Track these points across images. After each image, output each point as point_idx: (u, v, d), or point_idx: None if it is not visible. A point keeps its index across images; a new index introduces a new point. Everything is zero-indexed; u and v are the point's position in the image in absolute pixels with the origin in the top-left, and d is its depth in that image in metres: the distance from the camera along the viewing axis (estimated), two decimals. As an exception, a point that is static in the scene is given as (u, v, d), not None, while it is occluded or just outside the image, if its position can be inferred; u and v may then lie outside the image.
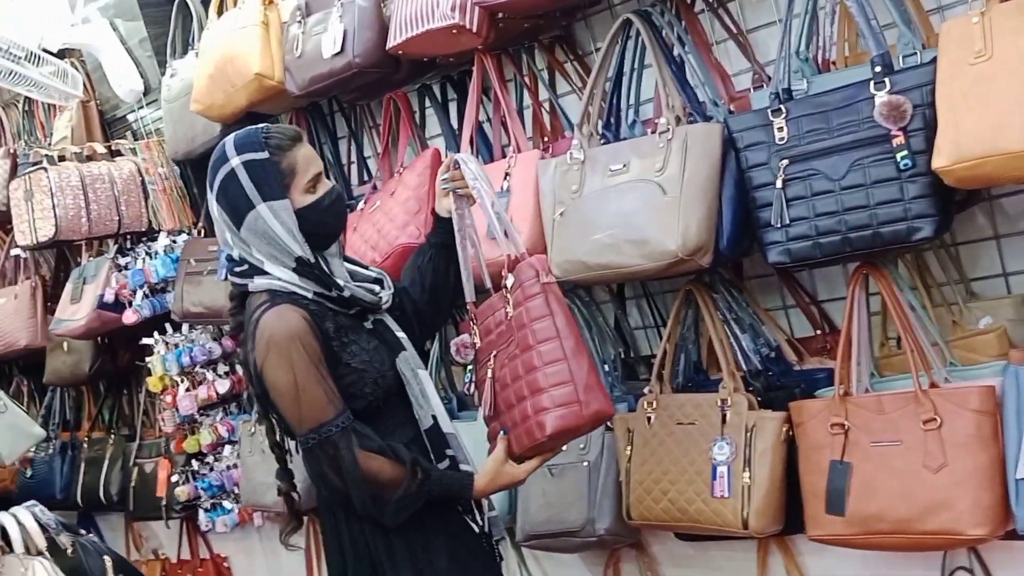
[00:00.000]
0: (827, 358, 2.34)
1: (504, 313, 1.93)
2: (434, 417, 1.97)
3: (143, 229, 3.67)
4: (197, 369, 3.64)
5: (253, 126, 1.96)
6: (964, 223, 2.22)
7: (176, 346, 3.64)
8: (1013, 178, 1.79)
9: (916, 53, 1.96)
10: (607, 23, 2.61)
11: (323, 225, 1.93)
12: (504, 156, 2.62)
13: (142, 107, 3.82)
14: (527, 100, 2.73)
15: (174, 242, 3.65)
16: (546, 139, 2.65)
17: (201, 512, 3.81)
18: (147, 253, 3.70)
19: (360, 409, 1.90)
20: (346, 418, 1.85)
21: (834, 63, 2.20)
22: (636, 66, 2.44)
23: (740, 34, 2.42)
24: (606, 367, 2.58)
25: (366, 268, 2.08)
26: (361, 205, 2.88)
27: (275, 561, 3.93)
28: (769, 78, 2.34)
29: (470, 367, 2.08)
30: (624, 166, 2.24)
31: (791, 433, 2.15)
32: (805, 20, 2.14)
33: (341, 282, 1.93)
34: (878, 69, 1.90)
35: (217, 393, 3.63)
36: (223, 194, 1.89)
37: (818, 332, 2.45)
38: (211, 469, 3.77)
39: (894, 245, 1.94)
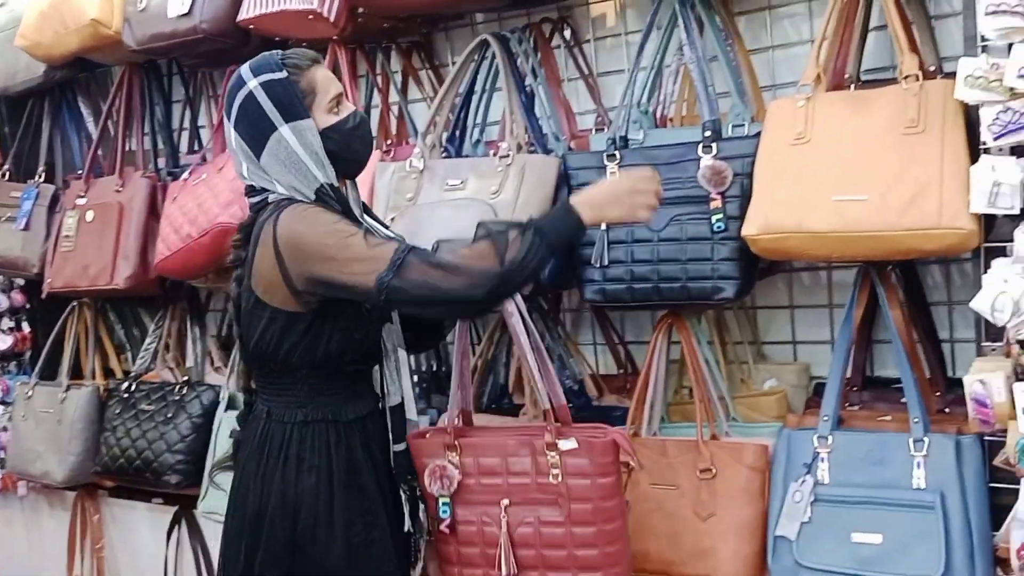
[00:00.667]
0: (625, 397, 2.43)
1: (540, 470, 1.81)
2: (403, 398, 1.90)
3: (-59, 163, 3.40)
4: (-22, 321, 3.39)
5: (268, 52, 1.84)
6: (764, 289, 2.37)
7: (-42, 292, 3.38)
8: (812, 255, 1.92)
9: (744, 124, 2.08)
10: (467, 39, 2.63)
11: (347, 148, 1.81)
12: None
13: (-40, 32, 3.53)
14: (376, 100, 2.71)
15: (-28, 182, 3.40)
16: (389, 142, 2.64)
17: (-41, 472, 3.53)
18: (-59, 189, 3.42)
19: (334, 357, 1.79)
20: (407, 244, 1.72)
21: (671, 120, 2.31)
22: (488, 87, 2.47)
23: (590, 76, 2.50)
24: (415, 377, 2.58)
25: (384, 227, 1.97)
26: (185, 175, 2.77)
27: (37, 535, 3.68)
28: (610, 122, 2.42)
29: (443, 502, 1.87)
30: (461, 183, 2.26)
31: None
32: (650, 75, 2.23)
33: (358, 213, 1.83)
34: (708, 134, 2.00)
35: (-4, 348, 3.39)
36: (243, 119, 1.77)
37: (621, 371, 2.54)
38: (-23, 428, 3.50)
39: (699, 301, 2.04)
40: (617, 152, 2.09)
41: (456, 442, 1.88)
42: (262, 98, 1.76)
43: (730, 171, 1.95)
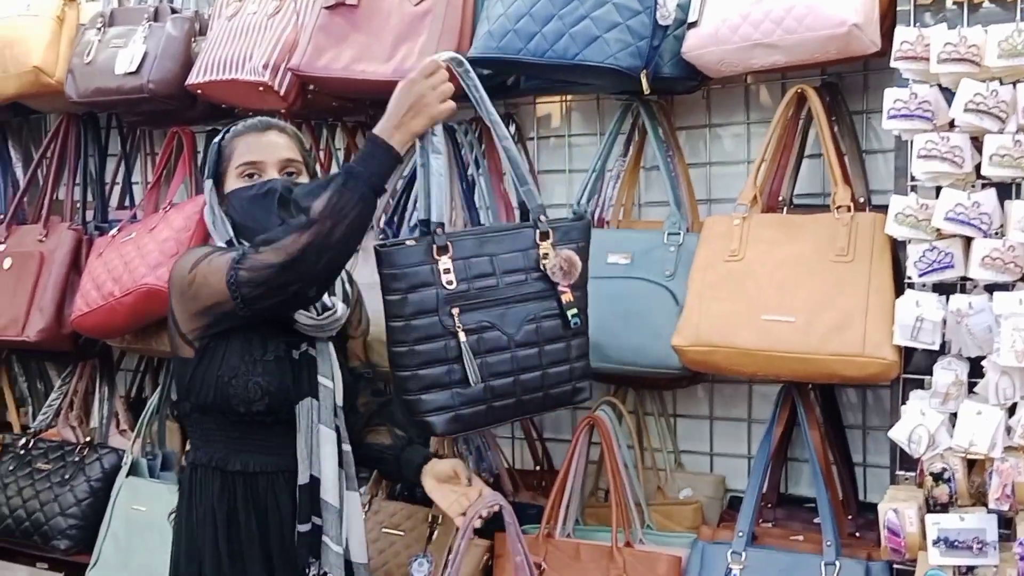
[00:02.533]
0: (540, 495, 2.40)
1: None
2: (314, 477, 1.79)
3: None
4: None
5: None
6: (685, 398, 2.40)
7: None
8: (739, 371, 1.95)
9: (680, 233, 2.12)
10: (412, 125, 2.66)
11: (245, 214, 1.82)
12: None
13: None
14: (319, 175, 2.70)
15: None
16: (326, 220, 2.62)
17: None
18: None
19: (219, 401, 1.77)
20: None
21: (607, 223, 2.35)
22: (429, 174, 2.48)
23: (531, 172, 2.53)
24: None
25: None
26: (114, 231, 2.71)
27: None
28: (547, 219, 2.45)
29: None
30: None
31: (491, 563, 2.17)
32: (591, 177, 2.27)
33: None
34: (541, 219, 1.84)
35: None
36: None
37: (537, 467, 2.52)
38: None
39: (557, 408, 1.92)
40: (449, 243, 1.75)
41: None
42: (209, 152, 1.90)
43: (581, 262, 1.83)
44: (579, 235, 1.87)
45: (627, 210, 2.37)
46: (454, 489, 1.84)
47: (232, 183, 1.84)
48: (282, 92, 2.36)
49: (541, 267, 1.80)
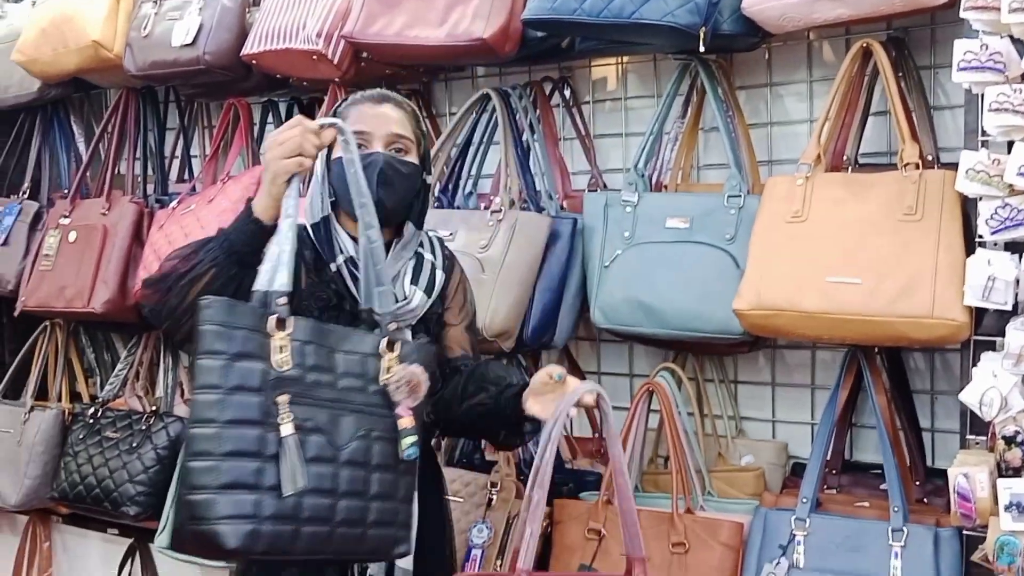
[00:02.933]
0: (598, 462, 2.39)
1: None
2: None
3: (-77, 170, 3.34)
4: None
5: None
6: (747, 365, 2.36)
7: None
8: (801, 334, 1.91)
9: (741, 195, 2.08)
10: (466, 91, 2.64)
11: (340, 186, 1.69)
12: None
13: (-44, 41, 3.51)
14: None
15: (-43, 194, 3.35)
16: (382, 187, 2.62)
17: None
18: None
19: None
20: None
21: (666, 186, 2.31)
22: (484, 140, 2.47)
23: (587, 136, 2.50)
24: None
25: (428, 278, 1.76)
26: (174, 204, 2.74)
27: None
28: (604, 185, 2.43)
29: None
30: (451, 234, 2.24)
31: (550, 529, 2.17)
32: (648, 140, 2.23)
33: (338, 254, 1.69)
34: (392, 326, 1.55)
35: (-37, 363, 3.31)
36: None
37: (596, 435, 2.51)
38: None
39: (373, 558, 1.61)
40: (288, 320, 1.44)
41: None
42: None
43: (427, 383, 1.53)
44: (429, 357, 1.60)
45: (686, 173, 2.33)
46: (550, 396, 1.62)
47: (339, 151, 1.72)
48: (335, 60, 2.36)
49: (381, 381, 1.51)
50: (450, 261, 1.86)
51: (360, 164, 1.59)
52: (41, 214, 3.10)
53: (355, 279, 1.68)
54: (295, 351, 1.41)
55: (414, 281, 1.74)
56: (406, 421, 1.49)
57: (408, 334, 1.70)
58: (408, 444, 1.48)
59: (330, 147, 1.70)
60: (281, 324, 1.41)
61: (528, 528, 1.40)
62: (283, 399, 1.38)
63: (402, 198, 1.73)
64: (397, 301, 1.69)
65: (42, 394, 3.13)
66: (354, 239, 1.71)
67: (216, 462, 1.33)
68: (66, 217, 2.95)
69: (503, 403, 1.67)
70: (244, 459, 1.34)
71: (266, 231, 1.54)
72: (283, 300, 1.42)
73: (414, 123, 1.78)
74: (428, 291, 1.76)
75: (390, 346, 1.52)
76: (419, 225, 1.79)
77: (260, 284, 1.45)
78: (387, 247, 1.72)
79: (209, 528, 1.33)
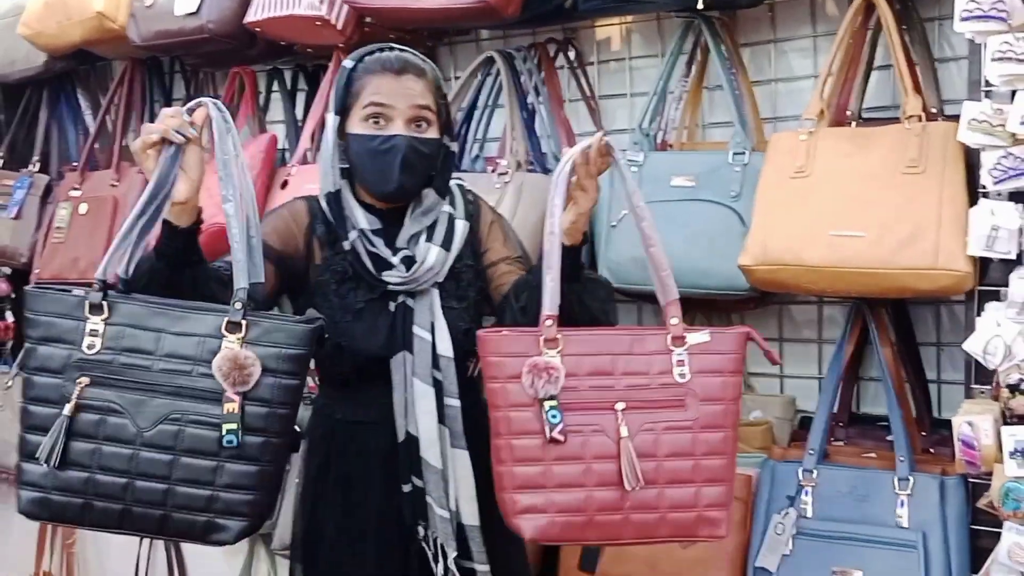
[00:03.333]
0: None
1: (662, 368, 1.51)
2: (410, 434, 1.70)
3: (-66, 147, 3.37)
4: (-39, 308, 3.37)
5: (380, 42, 1.75)
6: (755, 321, 2.37)
7: (-57, 279, 3.36)
8: (806, 288, 1.93)
9: (745, 152, 2.09)
10: (471, 54, 2.65)
11: (358, 164, 1.69)
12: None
13: (-39, 16, 3.52)
14: (376, 109, 2.71)
15: (-35, 168, 3.38)
16: (387, 152, 2.64)
17: (-69, 460, 3.49)
18: (-67, 174, 3.40)
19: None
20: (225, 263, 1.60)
21: (671, 145, 2.32)
22: (490, 103, 2.48)
23: (592, 97, 2.50)
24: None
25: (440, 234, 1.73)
26: (182, 174, 2.76)
27: (5, 527, 3.64)
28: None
29: (550, 405, 1.47)
30: (458, 194, 2.26)
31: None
32: (653, 100, 2.24)
33: (351, 229, 1.70)
34: (237, 306, 1.49)
35: (-22, 337, 3.36)
36: None
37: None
38: (-48, 416, 3.47)
39: (187, 539, 1.55)
40: (107, 304, 1.47)
41: (558, 336, 1.49)
42: (337, 80, 1.73)
43: (259, 367, 1.47)
44: (287, 339, 1.49)
45: (691, 132, 2.34)
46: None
47: (356, 124, 1.69)
48: (339, 25, 2.37)
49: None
50: (474, 206, 1.82)
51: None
52: (51, 187, 3.13)
53: (372, 256, 1.69)
54: (111, 335, 1.46)
55: (428, 238, 1.72)
56: (230, 406, 1.45)
57: (435, 294, 1.71)
58: (228, 429, 1.45)
59: (344, 121, 1.69)
60: (96, 309, 1.47)
61: (547, 275, 1.48)
62: (82, 381, 1.45)
63: (423, 176, 1.72)
64: (412, 264, 1.69)
65: (58, 365, 3.19)
66: (368, 210, 1.72)
67: (21, 434, 1.47)
68: (76, 189, 2.99)
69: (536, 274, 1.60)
70: (40, 434, 1.45)
71: (181, 232, 1.53)
72: (97, 287, 1.48)
73: (436, 90, 1.72)
74: (446, 244, 1.73)
75: (230, 328, 1.47)
76: (443, 193, 1.75)
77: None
78: (401, 211, 1.73)
79: (18, 492, 1.48)
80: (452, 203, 1.77)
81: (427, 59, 1.75)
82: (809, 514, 1.92)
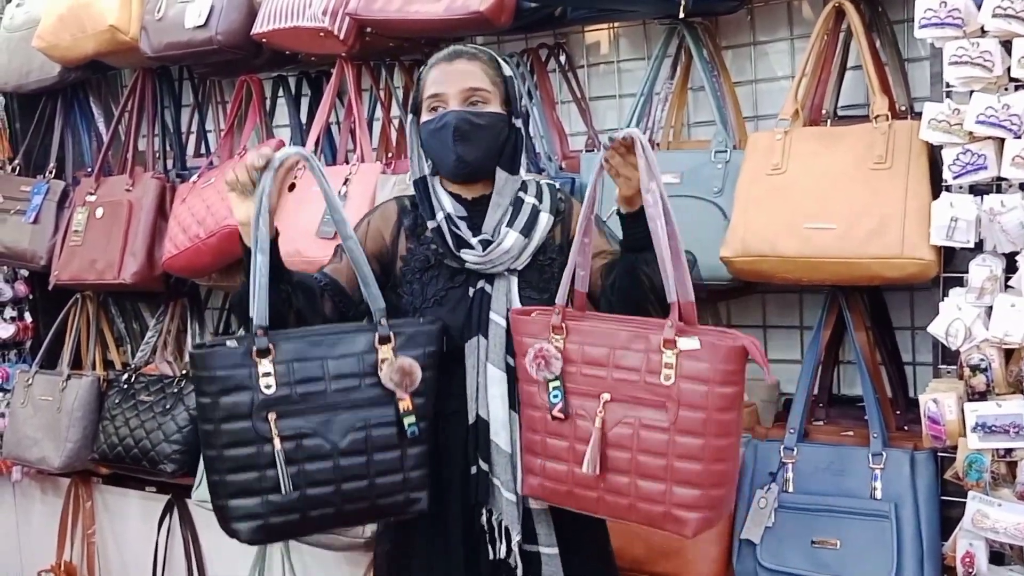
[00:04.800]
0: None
1: (651, 368, 1.58)
2: (481, 418, 1.76)
3: (-48, 153, 3.50)
4: (-19, 309, 3.50)
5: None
6: (739, 308, 2.50)
7: (-37, 281, 3.49)
8: (783, 277, 2.05)
9: (727, 151, 2.21)
10: (466, 60, 2.76)
11: (427, 146, 1.80)
12: (347, 162, 2.71)
13: (-23, 28, 3.64)
14: (378, 113, 2.83)
15: (-17, 174, 3.50)
16: (390, 155, 2.76)
17: (-46, 456, 3.62)
18: (-49, 179, 3.52)
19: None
20: (320, 275, 1.80)
21: (658, 144, 2.44)
22: (485, 106, 2.59)
23: (583, 99, 2.63)
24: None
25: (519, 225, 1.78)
26: (194, 178, 2.89)
27: (26, 519, 3.77)
28: (599, 144, 2.56)
29: (554, 384, 1.65)
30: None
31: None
32: (639, 101, 2.36)
33: (437, 212, 1.78)
34: (382, 327, 1.70)
35: (-2, 337, 3.49)
36: None
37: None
38: (-26, 413, 3.60)
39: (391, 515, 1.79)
40: (272, 345, 1.64)
41: (564, 324, 1.66)
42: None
43: (419, 368, 1.69)
44: (426, 340, 1.71)
45: (677, 131, 2.45)
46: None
47: (424, 116, 1.80)
48: (341, 36, 2.48)
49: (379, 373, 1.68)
50: (566, 203, 1.87)
51: (332, 193, 1.69)
52: (68, 192, 3.25)
53: (454, 235, 1.77)
54: (281, 373, 1.63)
55: (509, 224, 1.77)
56: (406, 404, 1.67)
57: (514, 281, 1.78)
58: (409, 423, 1.68)
59: (417, 111, 1.81)
60: (263, 353, 1.62)
61: (572, 262, 1.67)
62: (272, 417, 1.62)
63: (486, 150, 1.77)
64: (488, 245, 1.75)
65: (76, 363, 3.32)
66: (454, 197, 1.82)
67: (221, 476, 1.63)
68: (92, 194, 3.11)
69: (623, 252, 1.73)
70: (243, 472, 1.62)
71: (247, 250, 1.65)
72: (261, 333, 1.61)
73: (493, 71, 1.79)
74: (526, 231, 1.77)
75: (382, 341, 1.68)
76: (513, 170, 1.80)
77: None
78: (486, 200, 1.80)
79: (229, 528, 1.65)
80: (539, 197, 1.83)
81: (486, 48, 1.85)
82: (790, 489, 2.05)
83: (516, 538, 1.76)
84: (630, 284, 1.69)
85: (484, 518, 1.77)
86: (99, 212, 3.03)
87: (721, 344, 1.55)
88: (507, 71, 1.82)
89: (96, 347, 3.32)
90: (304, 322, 1.73)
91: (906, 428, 2.13)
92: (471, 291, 1.78)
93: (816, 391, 2.20)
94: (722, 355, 1.54)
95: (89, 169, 3.26)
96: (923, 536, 1.92)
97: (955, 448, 1.84)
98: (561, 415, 1.64)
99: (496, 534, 1.76)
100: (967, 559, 1.81)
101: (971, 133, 1.75)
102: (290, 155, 1.63)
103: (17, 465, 3.52)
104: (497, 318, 1.76)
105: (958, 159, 1.77)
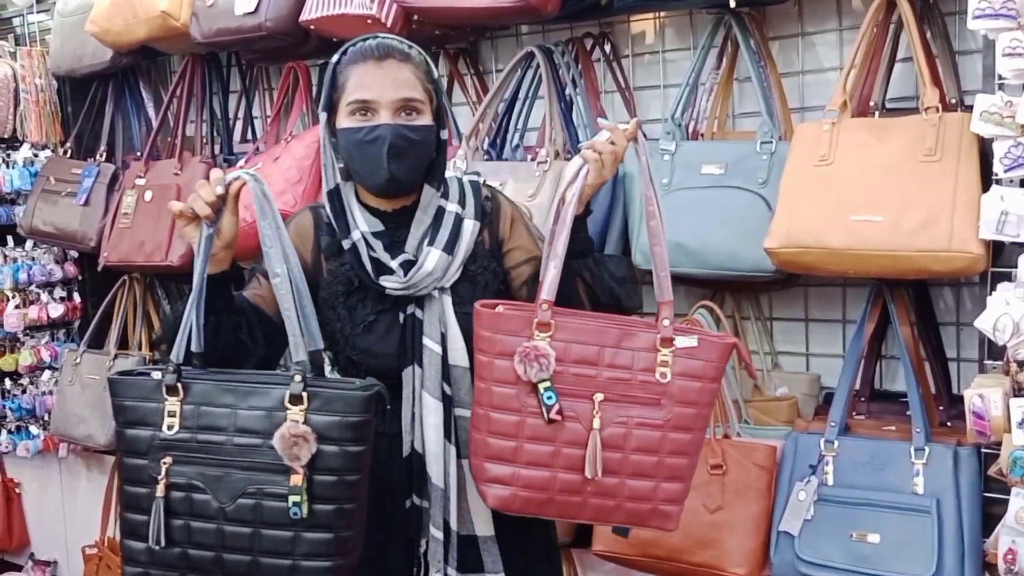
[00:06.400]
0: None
1: (645, 366, 1.56)
2: (415, 450, 1.67)
3: (6, 136, 3.55)
4: (32, 288, 3.57)
5: (375, 33, 1.69)
6: (781, 301, 2.49)
7: (15, 260, 3.56)
8: (828, 270, 2.04)
9: (772, 141, 2.20)
10: (511, 49, 2.78)
11: (349, 159, 1.65)
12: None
13: (32, 13, 3.71)
14: (422, 101, 2.84)
15: (36, 156, 3.58)
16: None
17: (4, 432, 3.72)
18: (4, 161, 3.60)
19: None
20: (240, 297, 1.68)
21: (702, 135, 2.43)
22: (530, 95, 2.61)
23: (627, 89, 2.62)
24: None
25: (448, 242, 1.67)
26: (241, 163, 2.93)
27: (71, 495, 3.86)
28: (644, 134, 2.55)
29: (545, 387, 1.54)
30: (501, 184, 2.39)
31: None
32: (684, 91, 2.36)
33: (352, 231, 1.65)
34: (296, 379, 1.52)
35: (48, 316, 3.57)
36: None
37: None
38: (24, 391, 3.69)
39: None
40: (181, 385, 1.54)
41: (551, 320, 1.55)
42: (325, 77, 1.69)
43: (313, 442, 1.48)
44: (346, 407, 1.51)
45: (721, 122, 2.44)
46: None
47: (343, 119, 1.64)
48: (388, 23, 2.50)
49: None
50: (492, 202, 1.76)
51: (268, 221, 1.57)
52: (117, 175, 3.30)
53: (373, 261, 1.65)
54: (187, 414, 1.53)
55: (431, 242, 1.66)
56: (295, 478, 1.47)
57: (447, 301, 1.66)
58: (293, 502, 1.47)
59: (332, 113, 1.65)
60: (172, 391, 1.53)
61: (551, 263, 1.57)
62: (166, 461, 1.52)
63: (418, 166, 1.66)
64: (410, 267, 1.64)
65: (122, 343, 3.38)
66: (372, 212, 1.69)
67: (122, 511, 1.57)
68: (141, 178, 3.16)
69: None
70: (136, 513, 1.54)
71: (213, 279, 1.59)
72: (171, 369, 1.53)
73: (424, 76, 1.65)
74: (448, 247, 1.66)
75: (292, 400, 1.50)
76: (437, 185, 1.70)
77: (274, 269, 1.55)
78: (407, 212, 1.69)
79: (123, 569, 1.57)
80: (462, 201, 1.71)
81: (413, 44, 1.67)
82: (830, 482, 2.04)
83: (448, 570, 1.68)
84: (571, 292, 1.62)
85: (421, 551, 1.70)
86: (148, 195, 3.09)
87: (715, 342, 1.59)
88: (435, 74, 1.69)
89: (142, 328, 3.38)
90: (248, 353, 1.64)
91: (949, 424, 2.11)
92: (401, 317, 1.68)
93: (858, 385, 2.19)
94: (717, 353, 1.58)
95: (138, 153, 3.31)
96: (964, 532, 1.91)
97: (999, 444, 1.82)
98: (558, 417, 1.54)
99: (431, 569, 1.68)
100: (1009, 556, 1.80)
101: (1023, 126, 1.73)
102: (238, 178, 1.58)
103: (64, 442, 3.61)
104: (431, 344, 1.66)
105: (1009, 152, 1.75)
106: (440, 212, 1.68)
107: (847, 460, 2.04)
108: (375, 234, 1.67)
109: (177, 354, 1.55)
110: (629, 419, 1.56)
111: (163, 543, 1.50)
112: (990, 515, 1.92)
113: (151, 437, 1.53)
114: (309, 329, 1.58)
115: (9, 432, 3.71)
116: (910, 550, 1.92)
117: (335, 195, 1.68)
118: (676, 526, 1.61)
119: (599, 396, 1.55)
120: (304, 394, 1.50)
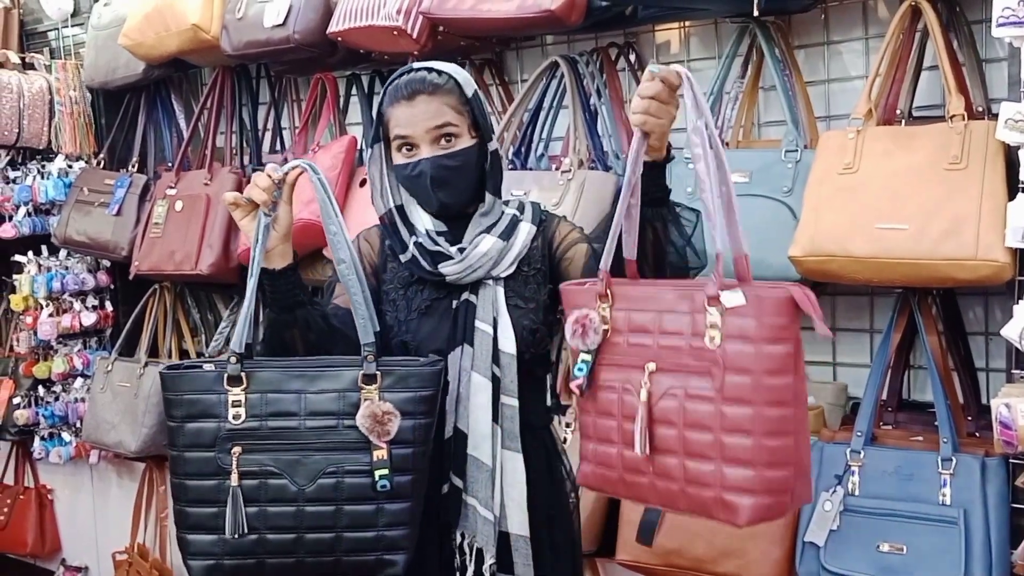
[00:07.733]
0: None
1: (696, 330, 1.38)
2: (459, 431, 1.68)
3: (41, 147, 3.63)
4: (65, 296, 3.63)
5: (411, 65, 1.73)
6: (808, 310, 2.47)
7: (49, 269, 3.62)
8: (853, 278, 2.03)
9: (798, 150, 2.20)
10: (536, 59, 2.80)
11: (410, 191, 1.74)
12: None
13: (66, 27, 3.79)
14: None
15: (70, 167, 3.64)
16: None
17: (37, 439, 3.77)
18: (40, 172, 3.67)
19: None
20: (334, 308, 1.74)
21: (727, 144, 2.43)
22: (554, 105, 2.62)
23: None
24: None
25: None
26: (269, 173, 2.96)
27: (102, 502, 3.91)
28: (669, 144, 2.56)
29: (585, 356, 1.49)
30: (525, 193, 2.41)
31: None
32: (709, 100, 2.36)
33: (408, 241, 1.73)
34: (368, 365, 1.59)
35: (81, 324, 3.62)
36: None
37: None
38: (56, 398, 3.75)
39: None
40: (245, 374, 1.57)
41: (608, 291, 1.49)
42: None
43: (398, 417, 1.55)
44: (419, 382, 1.58)
45: (746, 130, 2.44)
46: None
47: (395, 155, 1.72)
48: (414, 35, 2.53)
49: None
50: (547, 215, 1.81)
51: (330, 207, 1.64)
52: (149, 186, 3.35)
53: (431, 254, 1.71)
54: (252, 403, 1.56)
55: (487, 231, 1.72)
56: (380, 453, 1.54)
57: (499, 290, 1.70)
58: (380, 476, 1.54)
59: (388, 149, 1.72)
60: (234, 381, 1.56)
61: (617, 226, 1.47)
62: (236, 451, 1.55)
63: (465, 187, 1.72)
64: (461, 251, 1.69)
65: (153, 351, 3.43)
66: (434, 215, 1.74)
67: (182, 507, 1.58)
68: (172, 188, 3.21)
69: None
70: (202, 506, 1.56)
71: (275, 274, 1.63)
72: (234, 359, 1.56)
73: (456, 98, 1.68)
74: (505, 236, 1.71)
75: (366, 380, 1.56)
76: (496, 193, 1.74)
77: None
78: (469, 217, 1.73)
79: (186, 563, 1.59)
80: (520, 210, 1.78)
81: (443, 70, 1.70)
82: (856, 492, 2.03)
83: (489, 561, 1.66)
84: (642, 241, 1.53)
85: (456, 541, 1.69)
86: (178, 205, 3.13)
87: (767, 296, 1.33)
88: (469, 91, 1.70)
89: (172, 336, 3.43)
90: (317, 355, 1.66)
91: (977, 435, 2.09)
92: (455, 303, 1.72)
93: (885, 395, 2.17)
94: (769, 308, 1.32)
95: (169, 164, 3.37)
96: (992, 543, 1.89)
97: (1027, 454, 1.81)
98: (577, 391, 1.48)
99: (468, 559, 1.67)
100: (1038, 568, 1.78)
101: (1050, 134, 1.72)
102: (296, 167, 1.63)
103: (95, 449, 3.66)
104: (483, 326, 1.68)
105: (1036, 160, 1.74)
106: (499, 214, 1.75)
107: (873, 470, 2.02)
108: (439, 233, 1.75)
109: (239, 344, 1.58)
110: (680, 390, 1.38)
111: (245, 531, 1.53)
112: (1018, 526, 1.90)
113: (216, 428, 1.56)
114: (361, 322, 1.63)
115: (42, 439, 3.77)
116: (937, 561, 1.90)
117: (388, 217, 1.76)
118: (747, 522, 1.35)
119: (651, 366, 1.41)
120: (377, 373, 1.56)
